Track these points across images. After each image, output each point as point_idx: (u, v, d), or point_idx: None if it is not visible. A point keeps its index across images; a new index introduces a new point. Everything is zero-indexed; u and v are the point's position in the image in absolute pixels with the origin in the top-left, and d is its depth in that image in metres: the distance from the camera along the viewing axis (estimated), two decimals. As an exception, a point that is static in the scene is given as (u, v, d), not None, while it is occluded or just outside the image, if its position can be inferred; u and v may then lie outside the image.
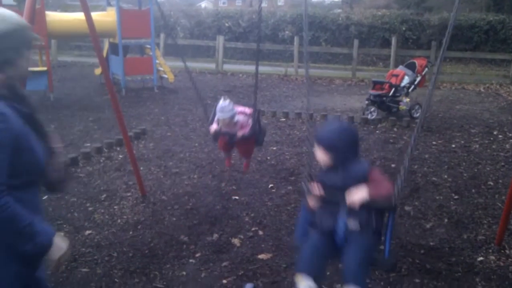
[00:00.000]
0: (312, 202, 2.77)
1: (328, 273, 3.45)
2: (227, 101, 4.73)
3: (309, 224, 2.81)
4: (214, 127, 4.90)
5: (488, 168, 6.01)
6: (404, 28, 18.89)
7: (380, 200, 2.58)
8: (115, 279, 3.37)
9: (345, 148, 2.70)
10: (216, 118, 4.85)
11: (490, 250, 3.87)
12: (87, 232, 4.11)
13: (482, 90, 13.13)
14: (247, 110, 5.05)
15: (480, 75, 15.72)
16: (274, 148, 6.76)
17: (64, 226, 4.22)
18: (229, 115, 4.70)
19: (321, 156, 2.73)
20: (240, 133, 4.88)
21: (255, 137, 5.09)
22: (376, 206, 2.60)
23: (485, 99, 11.64)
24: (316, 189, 2.74)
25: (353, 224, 2.59)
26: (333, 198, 2.66)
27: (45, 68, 10.00)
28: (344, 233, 2.60)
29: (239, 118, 4.86)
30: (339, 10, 26.20)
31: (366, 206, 2.55)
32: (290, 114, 8.93)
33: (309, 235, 2.78)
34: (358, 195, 2.55)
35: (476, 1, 25.03)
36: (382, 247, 2.75)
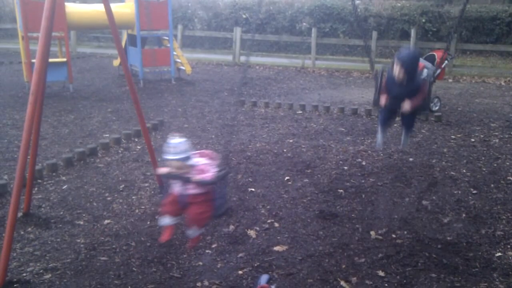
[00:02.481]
0: (383, 101, 5.33)
1: (343, 266, 3.46)
2: (182, 139, 3.50)
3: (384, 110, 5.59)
4: (163, 170, 3.55)
5: (507, 163, 5.92)
6: (423, 20, 18.59)
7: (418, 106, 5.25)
8: (133, 268, 3.43)
9: (414, 69, 4.99)
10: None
11: (509, 246, 3.83)
12: (106, 221, 4.18)
13: (503, 83, 12.89)
14: (214, 155, 3.65)
15: (501, 68, 15.42)
16: (291, 141, 6.76)
17: (83, 215, 4.29)
18: (179, 157, 3.40)
19: (399, 71, 4.90)
20: (195, 178, 3.37)
21: (214, 199, 3.54)
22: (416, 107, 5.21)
23: (506, 92, 11.43)
24: (384, 99, 5.31)
25: (408, 107, 5.13)
26: (397, 101, 5.16)
27: (64, 59, 10.11)
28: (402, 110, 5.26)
29: (197, 160, 3.52)
30: (358, 2, 25.90)
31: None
32: (307, 106, 8.90)
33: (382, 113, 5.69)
34: (407, 107, 5.08)
35: (499, -8, 24.48)
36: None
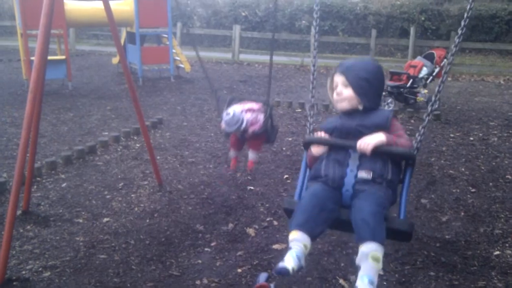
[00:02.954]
0: (316, 150, 2.36)
1: (342, 264, 3.47)
2: (231, 113, 4.68)
3: (310, 179, 2.36)
4: (223, 125, 4.86)
5: (506, 162, 5.93)
6: (423, 18, 18.61)
7: (398, 149, 2.23)
8: (132, 266, 3.43)
9: (377, 88, 2.36)
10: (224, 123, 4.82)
11: (507, 245, 3.83)
12: (105, 219, 4.18)
13: (502, 82, 12.90)
14: (255, 105, 4.94)
15: (500, 67, 15.44)
16: (290, 139, 6.76)
17: (83, 213, 4.29)
18: (235, 127, 4.70)
19: (347, 93, 2.32)
20: (250, 130, 4.82)
21: (267, 135, 5.03)
22: (392, 154, 2.23)
23: (505, 91, 11.44)
24: (322, 134, 2.36)
25: (365, 173, 2.23)
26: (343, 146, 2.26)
27: (63, 57, 10.11)
28: (353, 187, 2.23)
29: (247, 117, 4.78)
30: (357, 0, 25.90)
31: (381, 155, 2.19)
32: (306, 104, 8.90)
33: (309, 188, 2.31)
34: (373, 139, 2.19)
35: (498, -10, 24.50)
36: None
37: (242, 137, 5.02)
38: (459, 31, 2.57)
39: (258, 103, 4.99)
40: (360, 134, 2.22)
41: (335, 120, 2.41)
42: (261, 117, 4.86)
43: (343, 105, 2.32)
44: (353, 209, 2.17)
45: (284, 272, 2.15)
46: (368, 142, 2.17)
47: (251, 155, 5.26)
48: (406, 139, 2.33)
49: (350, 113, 2.33)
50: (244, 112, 4.81)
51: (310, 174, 2.36)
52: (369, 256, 2.03)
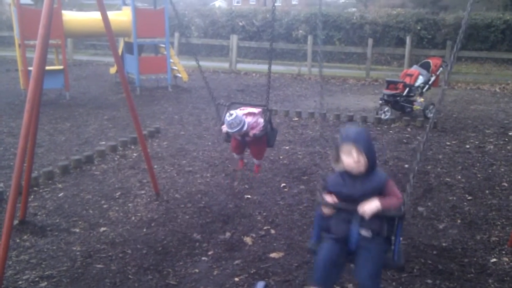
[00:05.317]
0: (326, 210, 2.81)
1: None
2: (233, 115, 4.84)
3: (323, 229, 2.89)
4: (225, 128, 5.00)
5: (502, 169, 5.96)
6: (419, 27, 18.74)
7: (391, 211, 2.69)
8: (129, 276, 3.43)
9: (373, 153, 2.77)
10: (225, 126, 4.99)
11: (504, 252, 3.85)
12: (102, 229, 4.18)
13: (498, 90, 12.97)
14: (256, 110, 5.15)
15: (496, 75, 15.53)
16: (287, 148, 6.78)
17: (80, 223, 4.29)
18: (237, 129, 4.85)
19: (363, 160, 2.71)
20: (251, 133, 5.02)
21: (267, 137, 5.20)
22: (387, 215, 2.70)
23: (501, 99, 11.51)
24: (331, 199, 2.80)
25: (365, 232, 2.69)
26: (348, 207, 2.74)
27: (61, 67, 10.13)
28: (356, 240, 2.70)
29: (248, 121, 5.00)
30: (354, 9, 26.10)
31: (377, 216, 2.67)
32: (303, 113, 8.93)
33: (322, 242, 2.83)
34: (371, 207, 2.65)
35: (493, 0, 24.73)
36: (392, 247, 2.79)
37: (243, 140, 5.16)
38: (457, 42, 2.80)
39: (258, 108, 5.19)
40: (363, 198, 2.69)
41: (339, 182, 2.82)
42: (261, 121, 5.09)
43: (361, 170, 2.73)
44: (356, 267, 2.70)
45: None
46: (367, 209, 2.64)
47: (257, 161, 5.49)
48: (397, 197, 2.73)
49: (355, 175, 2.76)
50: (245, 116, 5.01)
51: (323, 223, 2.87)
52: None
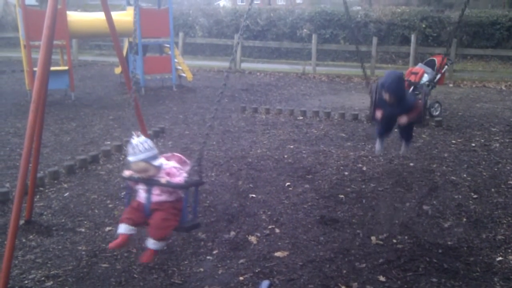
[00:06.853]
0: (379, 115, 5.23)
1: (344, 271, 3.47)
2: (142, 138, 3.26)
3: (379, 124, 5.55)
4: (126, 173, 3.39)
5: (508, 167, 5.93)
6: (424, 25, 18.67)
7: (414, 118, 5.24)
8: (134, 275, 3.44)
9: (401, 92, 5.14)
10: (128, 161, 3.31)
11: (509, 250, 3.83)
12: (107, 228, 4.19)
13: (504, 88, 12.91)
14: (184, 159, 3.54)
15: (501, 73, 15.45)
16: (291, 147, 6.77)
17: (85, 222, 4.31)
18: (142, 157, 3.19)
19: (387, 97, 5.04)
20: (164, 180, 3.23)
21: (182, 205, 3.33)
22: (412, 121, 5.26)
23: (506, 97, 11.45)
24: (380, 114, 5.22)
25: (403, 121, 5.20)
26: (392, 118, 5.29)
27: (66, 68, 10.18)
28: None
29: (166, 164, 3.36)
30: (358, 8, 26.01)
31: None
32: (307, 112, 8.93)
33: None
34: (405, 119, 5.13)
35: (499, -3, 24.60)
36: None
37: (147, 205, 3.29)
38: (449, 39, 3.44)
39: (188, 161, 3.59)
40: (400, 114, 5.17)
41: (385, 105, 5.20)
42: (184, 175, 3.33)
43: (390, 102, 5.11)
44: (400, 130, 5.74)
45: None
46: (404, 120, 5.16)
47: (151, 243, 3.26)
48: (419, 109, 5.34)
49: (392, 104, 5.11)
50: (169, 158, 3.48)
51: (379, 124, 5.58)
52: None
